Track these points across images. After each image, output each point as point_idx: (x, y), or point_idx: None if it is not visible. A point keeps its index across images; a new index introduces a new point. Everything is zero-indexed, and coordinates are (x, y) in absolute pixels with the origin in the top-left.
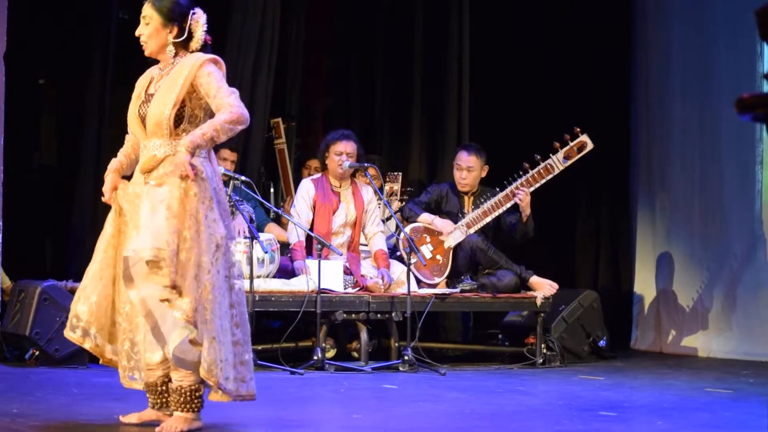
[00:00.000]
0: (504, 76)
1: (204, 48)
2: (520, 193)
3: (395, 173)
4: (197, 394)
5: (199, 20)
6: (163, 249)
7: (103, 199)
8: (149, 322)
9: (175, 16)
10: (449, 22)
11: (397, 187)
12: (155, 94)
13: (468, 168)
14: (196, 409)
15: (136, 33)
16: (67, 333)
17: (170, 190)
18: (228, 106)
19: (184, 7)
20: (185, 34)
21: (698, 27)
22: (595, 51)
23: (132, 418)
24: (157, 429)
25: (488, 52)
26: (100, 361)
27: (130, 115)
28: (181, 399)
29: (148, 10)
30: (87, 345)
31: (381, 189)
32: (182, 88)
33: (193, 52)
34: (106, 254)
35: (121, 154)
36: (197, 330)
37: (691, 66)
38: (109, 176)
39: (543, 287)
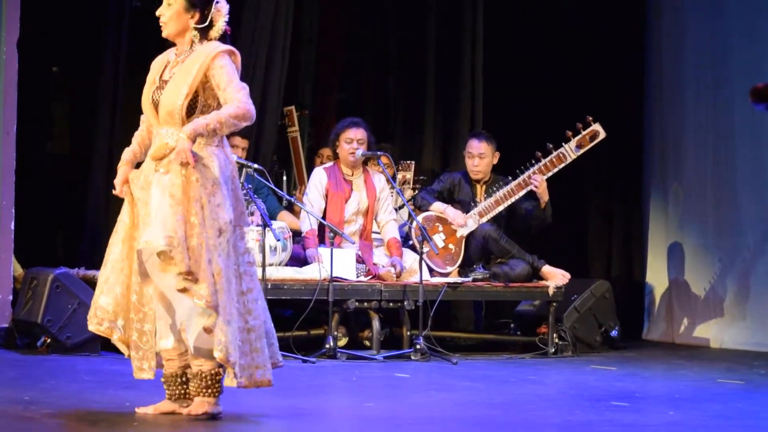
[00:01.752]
0: (517, 64)
1: (223, 38)
2: (536, 180)
3: (408, 162)
4: (217, 378)
5: (221, 10)
6: (173, 237)
7: (114, 192)
8: (170, 314)
9: (198, 2)
10: (463, 11)
11: (409, 175)
12: (169, 81)
13: (479, 155)
14: (216, 394)
15: (157, 13)
16: (94, 327)
17: (171, 178)
18: (236, 101)
19: None
20: (206, 22)
21: (712, 16)
22: (609, 40)
23: (148, 409)
24: (184, 411)
25: (501, 41)
26: (126, 354)
27: (144, 99)
28: (202, 384)
29: None
30: (116, 336)
31: (393, 177)
32: (195, 78)
33: (211, 40)
34: (124, 245)
35: (135, 141)
36: (216, 314)
37: (705, 56)
38: (122, 168)
39: (555, 277)
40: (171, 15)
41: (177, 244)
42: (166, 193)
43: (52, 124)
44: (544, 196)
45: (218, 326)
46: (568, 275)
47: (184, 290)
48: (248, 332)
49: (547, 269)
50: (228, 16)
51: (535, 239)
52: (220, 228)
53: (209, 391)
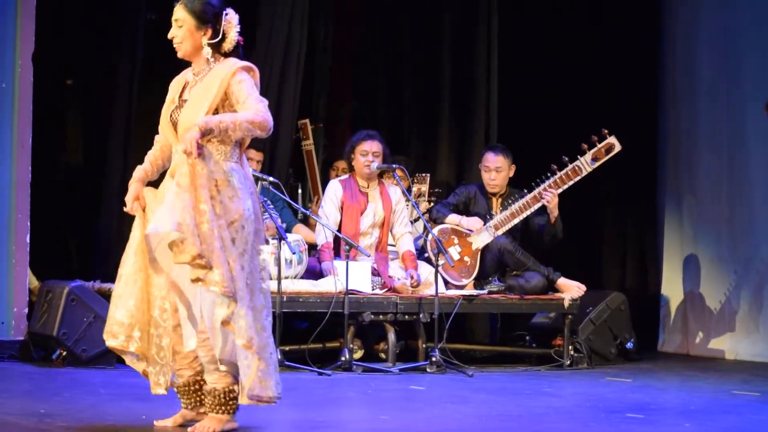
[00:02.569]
0: (531, 76)
1: (236, 49)
2: (548, 195)
3: (423, 174)
4: (231, 395)
5: (231, 21)
6: (182, 223)
7: (125, 209)
8: (183, 302)
9: (209, 18)
10: (477, 24)
11: (424, 188)
12: (189, 100)
13: (496, 168)
14: (231, 411)
15: (169, 36)
16: (110, 342)
17: (179, 166)
18: (254, 109)
19: (217, 7)
20: (219, 36)
21: (724, 26)
22: (624, 52)
23: (167, 422)
24: (189, 429)
25: (516, 52)
26: (141, 370)
27: (162, 119)
28: (215, 401)
29: (180, 13)
30: (132, 348)
31: (409, 189)
32: (216, 96)
33: (226, 53)
34: (136, 258)
35: (147, 160)
36: (236, 302)
37: (718, 67)
38: (133, 185)
39: (571, 289)
40: (183, 35)
41: (186, 229)
42: (174, 182)
43: (67, 137)
44: (554, 211)
45: (237, 315)
46: (583, 287)
47: (197, 280)
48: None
49: (562, 281)
50: (239, 26)
51: (550, 252)
52: (231, 220)
53: (223, 408)
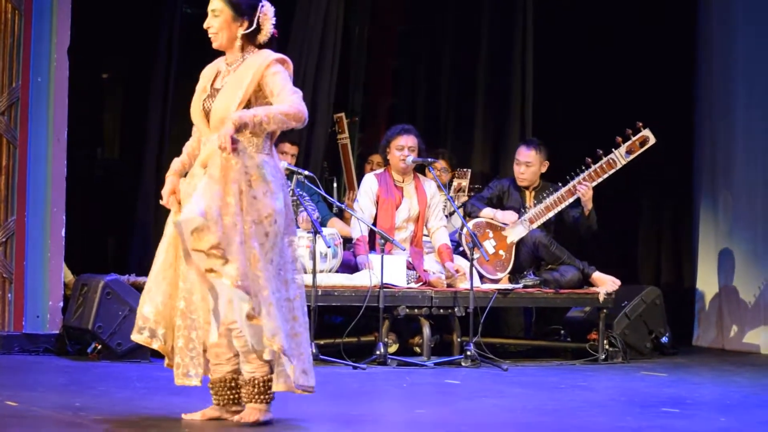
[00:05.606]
0: (567, 71)
1: (270, 42)
2: (582, 188)
3: (464, 170)
4: (270, 384)
5: (267, 13)
6: (208, 211)
7: (161, 202)
8: (212, 295)
9: (245, 9)
10: (514, 19)
11: (465, 183)
12: (221, 89)
13: (526, 163)
14: (268, 401)
15: (205, 25)
16: (135, 336)
17: (212, 158)
18: (288, 101)
19: None
20: (254, 27)
21: (762, 22)
22: (659, 47)
23: (195, 415)
24: (235, 418)
25: (552, 48)
26: (165, 363)
27: (193, 108)
28: (254, 390)
29: (217, 3)
30: (155, 345)
31: (451, 181)
32: (249, 86)
33: (260, 45)
34: (167, 254)
35: (185, 152)
36: (250, 299)
37: (755, 62)
38: (169, 179)
39: (606, 283)
40: (220, 26)
41: (210, 218)
42: (207, 173)
43: (103, 131)
44: (588, 204)
45: (263, 311)
46: (618, 282)
47: (211, 271)
48: (294, 337)
49: (597, 275)
50: (275, 18)
51: (585, 245)
52: (254, 219)
53: (262, 397)
